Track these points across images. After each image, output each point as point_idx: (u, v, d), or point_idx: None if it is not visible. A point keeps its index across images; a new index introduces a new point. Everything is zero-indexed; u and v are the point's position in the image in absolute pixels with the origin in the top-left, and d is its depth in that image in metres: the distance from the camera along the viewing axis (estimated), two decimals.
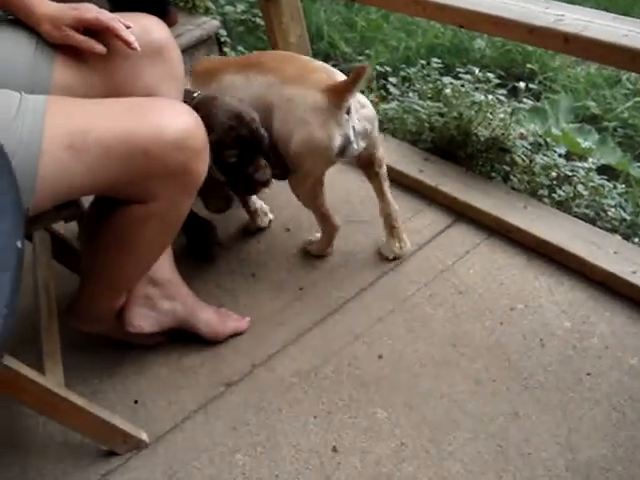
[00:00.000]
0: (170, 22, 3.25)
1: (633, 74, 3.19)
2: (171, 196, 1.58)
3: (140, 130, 1.49)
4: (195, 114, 1.57)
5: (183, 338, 2.06)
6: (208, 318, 2.04)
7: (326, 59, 3.60)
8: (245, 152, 1.91)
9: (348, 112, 1.91)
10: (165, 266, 1.96)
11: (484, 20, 1.92)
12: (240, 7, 3.84)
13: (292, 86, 1.95)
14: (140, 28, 1.69)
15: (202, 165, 1.57)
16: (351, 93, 1.87)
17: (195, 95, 1.98)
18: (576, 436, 1.69)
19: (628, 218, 2.29)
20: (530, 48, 3.37)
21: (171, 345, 2.08)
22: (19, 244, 1.02)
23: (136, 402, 1.95)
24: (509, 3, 1.94)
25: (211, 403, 1.92)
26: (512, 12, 1.88)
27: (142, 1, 2.91)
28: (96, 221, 1.70)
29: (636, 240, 2.20)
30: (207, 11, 3.47)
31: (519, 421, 1.72)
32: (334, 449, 1.75)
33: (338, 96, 1.87)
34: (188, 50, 3.26)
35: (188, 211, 1.68)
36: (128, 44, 1.60)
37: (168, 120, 1.53)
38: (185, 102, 1.69)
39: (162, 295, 1.97)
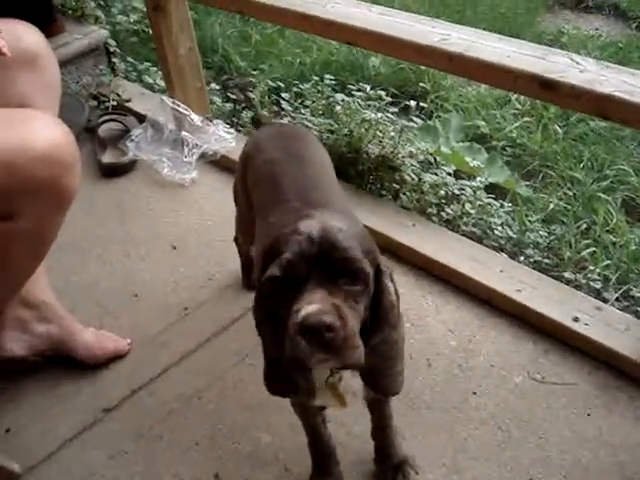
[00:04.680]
0: (56, 30, 3.14)
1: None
2: (40, 213, 1.49)
3: (5, 142, 1.39)
4: (65, 126, 1.49)
5: (61, 362, 1.96)
6: (86, 341, 1.94)
7: (220, 73, 3.56)
8: None
9: None
10: (39, 287, 1.86)
11: (370, 38, 1.90)
12: (133, 17, 3.73)
13: None
14: (11, 34, 1.60)
15: (73, 180, 1.49)
16: None
17: None
18: (462, 457, 1.69)
19: (514, 236, 2.31)
20: (423, 67, 3.41)
21: (48, 370, 1.97)
22: None
23: (8, 431, 1.84)
24: (397, 21, 1.94)
25: (88, 430, 1.83)
26: (399, 30, 1.87)
27: (26, 8, 2.80)
28: None
29: (521, 259, 2.23)
30: (96, 20, 3.35)
31: (405, 442, 1.69)
32: (216, 476, 1.69)
33: None
34: (75, 59, 3.16)
35: (58, 230, 1.59)
36: None
37: (35, 133, 1.44)
38: None
39: (36, 317, 1.87)
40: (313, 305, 1.02)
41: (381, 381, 1.23)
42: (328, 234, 1.09)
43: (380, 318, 1.16)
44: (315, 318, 1.01)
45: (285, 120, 2.84)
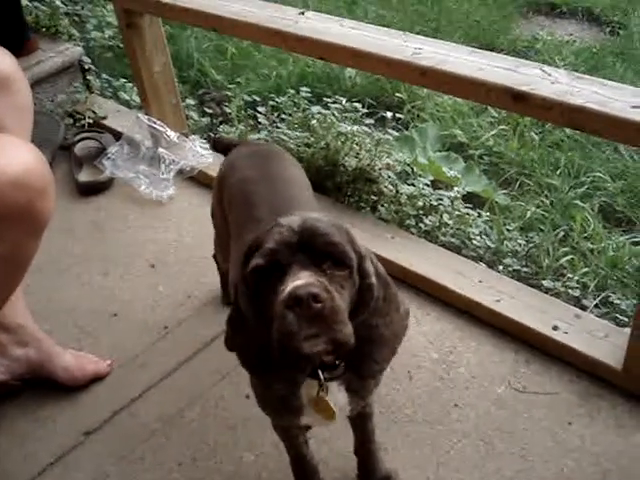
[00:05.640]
0: (30, 49, 3.13)
1: None
2: (14, 238, 1.48)
3: None
4: (37, 150, 1.48)
5: (40, 385, 1.94)
6: (65, 363, 1.93)
7: (196, 87, 3.55)
8: None
9: None
10: (16, 311, 1.84)
11: (343, 53, 1.90)
12: (108, 32, 3.72)
13: None
14: None
15: (47, 203, 1.48)
16: None
17: None
18: (445, 470, 1.68)
19: (492, 246, 2.32)
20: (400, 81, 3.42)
21: (27, 393, 1.95)
22: None
23: None
24: (369, 36, 1.94)
25: (70, 454, 1.81)
26: (371, 45, 1.87)
27: None
28: None
29: (500, 268, 2.24)
30: (70, 37, 3.34)
31: (388, 456, 1.69)
32: None
33: None
34: (50, 77, 3.14)
35: (34, 253, 1.58)
36: None
37: (8, 158, 1.43)
38: None
39: (13, 341, 1.86)
40: (300, 280, 1.03)
41: (357, 362, 1.20)
42: (308, 223, 1.10)
43: (360, 301, 1.15)
44: (302, 289, 1.01)
45: (262, 134, 2.84)
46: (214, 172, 2.59)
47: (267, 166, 1.70)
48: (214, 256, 2.09)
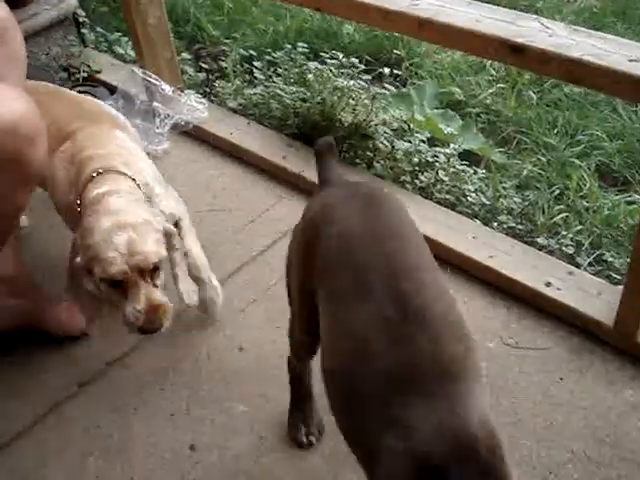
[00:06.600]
0: (25, 1, 3.08)
1: None
2: (3, 187, 1.47)
3: None
4: (29, 99, 1.46)
5: (34, 337, 1.95)
6: (58, 314, 1.93)
7: (192, 42, 3.51)
8: None
9: None
10: (9, 261, 1.84)
11: (339, 3, 1.88)
12: None
13: None
14: None
15: (37, 152, 1.47)
16: None
17: None
18: None
19: (488, 203, 2.31)
20: (397, 34, 3.37)
21: (20, 345, 1.95)
22: None
23: None
24: None
25: (63, 405, 1.82)
26: None
27: None
28: None
29: (495, 225, 2.23)
30: None
31: None
32: (192, 447, 1.69)
33: None
34: (44, 31, 3.10)
35: (26, 203, 1.57)
36: None
37: (1, 105, 1.41)
38: None
39: (7, 291, 1.86)
40: None
41: None
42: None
43: None
44: None
45: (258, 89, 2.82)
46: (209, 127, 2.60)
47: (374, 215, 1.30)
48: (289, 362, 1.65)
